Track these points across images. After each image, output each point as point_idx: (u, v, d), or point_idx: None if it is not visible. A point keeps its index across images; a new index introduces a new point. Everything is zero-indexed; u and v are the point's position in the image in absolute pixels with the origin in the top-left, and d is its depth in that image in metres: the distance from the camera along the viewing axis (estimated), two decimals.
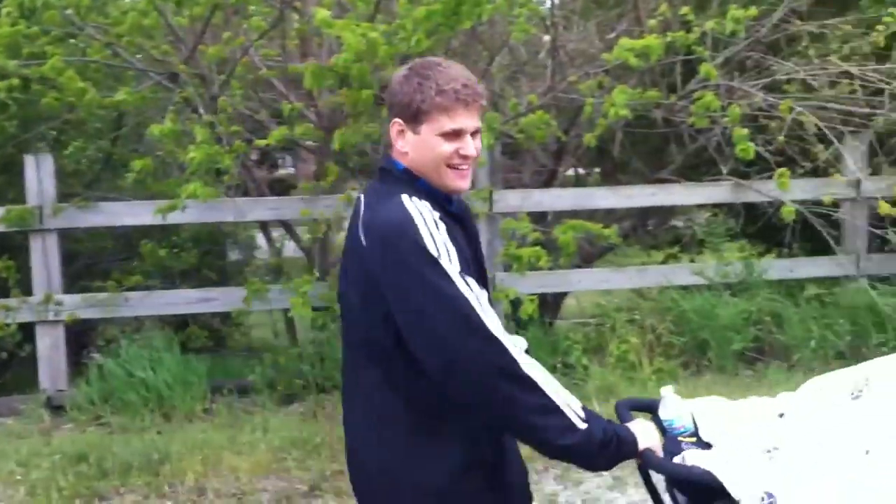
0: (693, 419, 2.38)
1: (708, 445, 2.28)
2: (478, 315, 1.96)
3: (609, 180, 7.70)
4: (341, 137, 5.27)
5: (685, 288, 6.67)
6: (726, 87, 6.62)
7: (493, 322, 1.98)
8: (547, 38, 6.60)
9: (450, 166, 2.14)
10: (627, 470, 4.88)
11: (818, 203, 6.55)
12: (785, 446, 2.11)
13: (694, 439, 2.35)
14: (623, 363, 6.22)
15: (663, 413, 2.38)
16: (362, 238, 2.11)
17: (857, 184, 6.73)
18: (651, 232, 8.62)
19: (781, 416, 2.35)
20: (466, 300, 1.97)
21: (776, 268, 6.87)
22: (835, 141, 6.39)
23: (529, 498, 2.31)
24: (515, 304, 6.41)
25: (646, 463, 2.13)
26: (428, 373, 2.00)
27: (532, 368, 1.99)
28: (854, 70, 6.50)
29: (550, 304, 7.05)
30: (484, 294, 2.03)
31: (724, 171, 6.78)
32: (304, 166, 9.34)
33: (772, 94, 6.64)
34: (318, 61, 5.39)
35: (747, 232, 7.53)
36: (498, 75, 6.77)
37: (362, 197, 2.23)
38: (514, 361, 1.96)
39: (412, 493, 2.11)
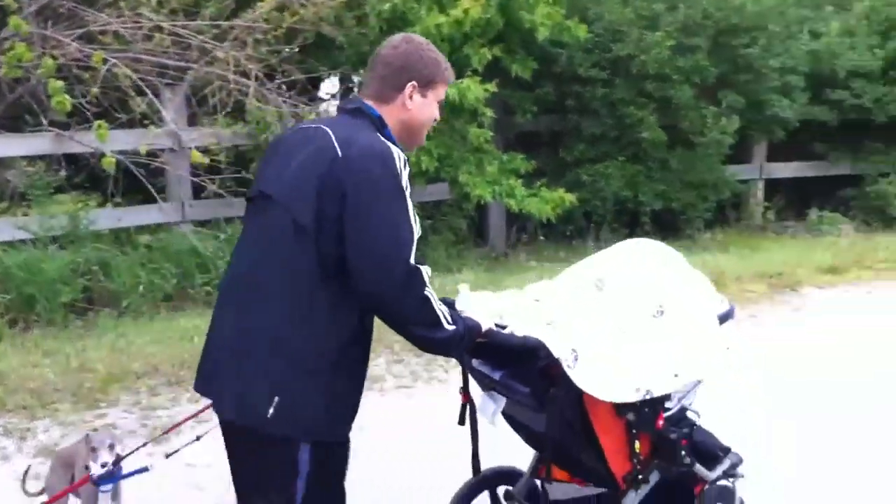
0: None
1: (501, 327, 2.83)
2: (411, 246, 2.40)
3: None
4: None
5: (10, 244, 6.43)
6: (41, 36, 6.47)
7: (415, 253, 2.43)
8: None
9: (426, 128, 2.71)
10: None
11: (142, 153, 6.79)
12: (557, 320, 2.79)
13: None
14: None
15: (460, 305, 2.78)
16: (338, 149, 2.43)
17: (176, 134, 7.10)
18: None
19: (537, 300, 2.99)
20: (410, 231, 2.42)
21: (104, 217, 6.96)
22: (149, 93, 6.67)
23: None
24: None
25: (492, 338, 2.71)
26: (351, 268, 2.39)
27: (432, 293, 2.45)
28: (166, 24, 6.83)
29: None
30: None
31: (45, 122, 6.65)
32: None
33: (88, 45, 6.67)
34: None
35: (74, 183, 7.48)
36: None
37: (317, 122, 2.61)
38: (424, 285, 2.43)
39: (314, 358, 2.43)
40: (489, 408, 2.94)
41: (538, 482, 3.23)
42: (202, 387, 2.59)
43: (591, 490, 3.08)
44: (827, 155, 10.62)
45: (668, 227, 9.32)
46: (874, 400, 5.10)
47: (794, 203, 10.89)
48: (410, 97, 2.61)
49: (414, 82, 2.60)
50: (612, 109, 8.75)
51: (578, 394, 2.67)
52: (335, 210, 2.38)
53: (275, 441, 2.43)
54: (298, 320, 2.42)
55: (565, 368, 2.63)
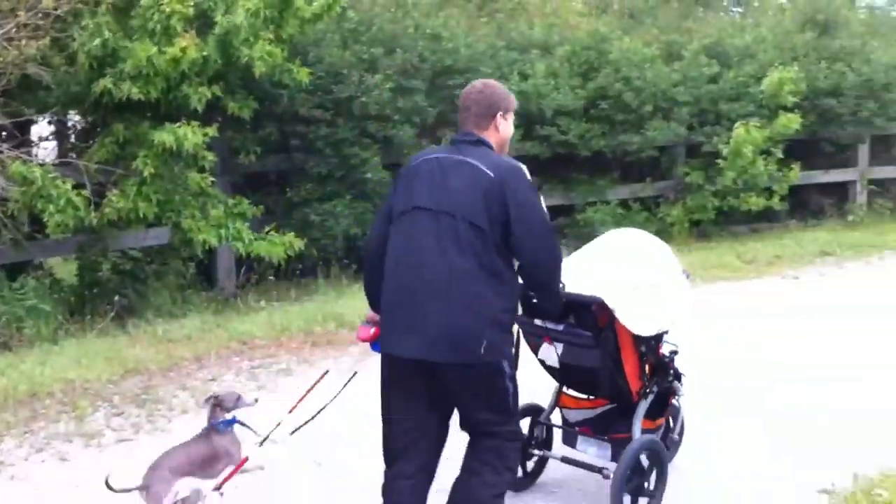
0: None
1: None
2: (553, 230, 3.66)
3: None
4: None
5: None
6: None
7: None
8: None
9: None
10: None
11: None
12: (593, 283, 3.92)
13: None
14: None
15: None
16: (489, 172, 3.47)
17: None
18: None
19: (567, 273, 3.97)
20: (548, 215, 3.60)
21: None
22: None
23: None
24: None
25: (569, 297, 3.80)
26: (517, 249, 3.49)
27: None
28: None
29: None
30: None
31: None
32: None
33: None
34: None
35: None
36: None
37: (443, 151, 3.71)
38: (561, 257, 3.65)
39: (500, 309, 3.48)
40: (552, 353, 4.08)
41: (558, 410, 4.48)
42: (405, 346, 3.47)
43: (594, 412, 4.42)
44: (541, 187, 11.38)
45: None
46: None
47: None
48: (499, 123, 3.66)
49: (501, 111, 3.66)
50: (337, 149, 8.89)
51: (616, 334, 3.94)
52: (500, 212, 3.42)
53: (485, 366, 3.46)
54: (487, 286, 3.43)
55: (616, 315, 3.85)
